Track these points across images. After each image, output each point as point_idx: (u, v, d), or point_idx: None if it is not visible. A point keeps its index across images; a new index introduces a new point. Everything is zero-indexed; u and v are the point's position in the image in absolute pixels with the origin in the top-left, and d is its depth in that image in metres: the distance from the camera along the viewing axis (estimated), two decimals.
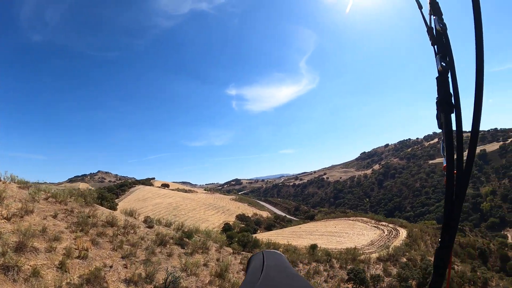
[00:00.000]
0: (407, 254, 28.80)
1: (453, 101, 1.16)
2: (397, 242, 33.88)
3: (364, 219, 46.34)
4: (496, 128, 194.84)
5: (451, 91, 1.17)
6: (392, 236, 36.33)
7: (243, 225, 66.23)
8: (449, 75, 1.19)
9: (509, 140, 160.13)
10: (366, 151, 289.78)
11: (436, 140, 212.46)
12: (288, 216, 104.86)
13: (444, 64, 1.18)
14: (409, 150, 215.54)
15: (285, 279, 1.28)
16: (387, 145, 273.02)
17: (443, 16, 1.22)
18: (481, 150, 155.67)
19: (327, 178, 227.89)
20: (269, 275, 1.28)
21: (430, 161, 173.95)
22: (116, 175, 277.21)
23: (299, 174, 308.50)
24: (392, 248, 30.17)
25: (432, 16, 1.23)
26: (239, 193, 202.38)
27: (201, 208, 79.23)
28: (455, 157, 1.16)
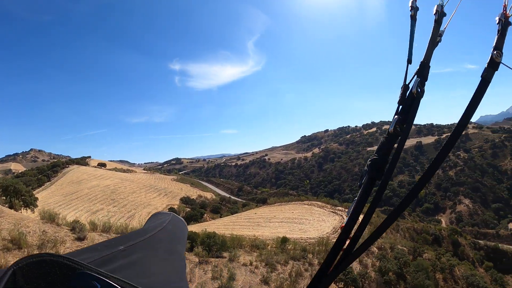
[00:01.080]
0: (375, 242, 26.85)
1: (385, 168, 1.09)
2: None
3: (319, 203, 43.87)
4: (432, 123, 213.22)
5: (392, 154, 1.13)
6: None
7: (188, 209, 61.27)
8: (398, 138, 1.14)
9: (444, 135, 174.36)
10: (307, 134, 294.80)
11: (374, 129, 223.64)
12: (232, 197, 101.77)
13: (398, 129, 1.13)
14: (348, 136, 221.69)
15: (167, 253, 1.23)
16: (326, 131, 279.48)
17: (426, 82, 1.16)
18: (417, 142, 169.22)
19: (269, 159, 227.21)
20: (156, 241, 1.23)
21: (369, 148, 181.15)
22: (50, 153, 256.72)
23: (241, 154, 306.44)
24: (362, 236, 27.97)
25: (416, 76, 1.17)
26: (180, 172, 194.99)
27: (142, 191, 72.26)
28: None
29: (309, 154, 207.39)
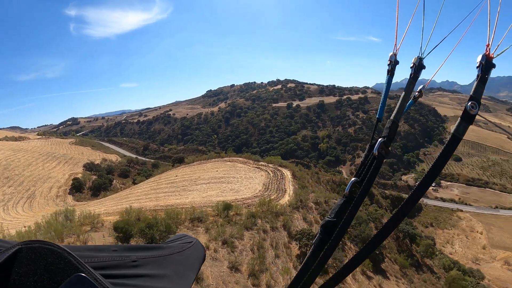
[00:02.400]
0: (309, 198, 25.90)
1: (336, 231, 1.05)
2: (289, 184, 30.38)
3: (240, 159, 41.56)
4: (334, 85, 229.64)
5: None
6: (280, 177, 32.51)
7: (95, 177, 53.96)
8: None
9: (344, 96, 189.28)
10: (213, 89, 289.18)
11: (279, 86, 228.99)
12: (139, 157, 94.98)
13: (353, 195, 1.11)
14: (254, 92, 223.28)
15: (176, 276, 1.20)
16: (233, 85, 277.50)
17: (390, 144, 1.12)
18: (320, 101, 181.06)
19: (174, 114, 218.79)
20: (169, 261, 1.22)
21: (274, 104, 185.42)
22: None
23: (142, 110, 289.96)
24: (294, 193, 26.56)
25: (380, 138, 1.11)
26: (78, 134, 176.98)
27: (39, 161, 60.80)
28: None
29: (215, 109, 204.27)
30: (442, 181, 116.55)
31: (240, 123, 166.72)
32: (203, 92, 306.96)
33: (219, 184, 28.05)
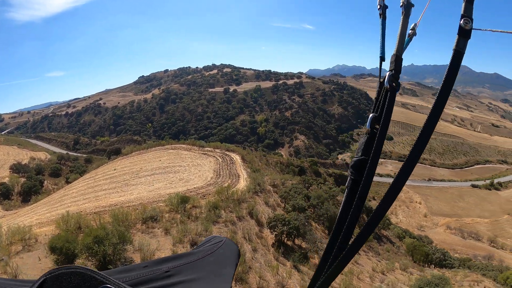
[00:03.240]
0: (266, 181, 25.16)
1: (366, 168, 1.06)
2: (240, 168, 29.00)
3: (184, 146, 39.09)
4: (270, 70, 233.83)
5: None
6: (229, 162, 31.01)
7: (24, 180, 47.54)
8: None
9: (280, 81, 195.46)
10: (145, 75, 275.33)
11: (215, 71, 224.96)
12: (70, 153, 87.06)
13: (375, 130, 1.11)
14: (189, 77, 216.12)
15: (212, 276, 1.22)
16: (166, 71, 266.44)
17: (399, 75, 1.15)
18: (256, 86, 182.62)
19: (104, 103, 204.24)
20: (204, 263, 1.23)
21: (210, 89, 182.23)
22: None
23: (70, 101, 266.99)
24: (249, 177, 25.41)
25: (388, 71, 1.15)
26: (2, 132, 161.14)
27: None
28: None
29: (149, 96, 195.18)
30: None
31: (176, 109, 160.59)
32: (135, 78, 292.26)
33: (166, 175, 25.70)
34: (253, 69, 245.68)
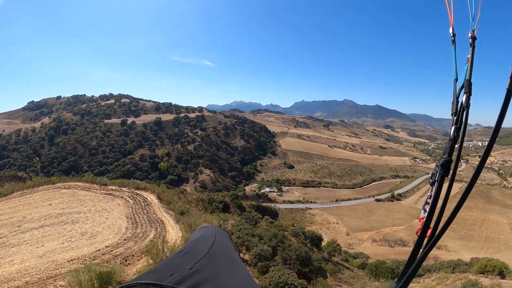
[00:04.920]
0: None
1: (450, 166, 1.36)
2: (161, 211, 21.81)
3: (81, 184, 29.78)
4: (170, 103, 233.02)
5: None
6: (144, 203, 23.59)
7: None
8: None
9: (182, 114, 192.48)
10: (35, 100, 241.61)
11: (112, 101, 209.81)
12: None
13: (455, 135, 1.38)
14: (84, 106, 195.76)
15: (229, 262, 1.25)
16: (59, 97, 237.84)
17: (471, 96, 1.39)
18: (156, 118, 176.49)
19: None
20: (215, 253, 1.25)
21: (106, 121, 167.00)
22: None
23: None
24: (177, 222, 19.35)
25: (463, 92, 1.40)
26: None
27: None
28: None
29: (37, 125, 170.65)
30: (282, 187, 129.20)
31: (67, 142, 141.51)
32: (23, 103, 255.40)
33: (61, 227, 17.20)
34: (152, 101, 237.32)
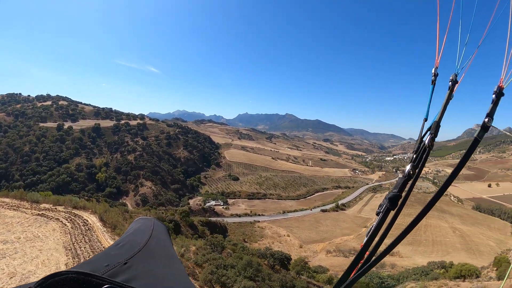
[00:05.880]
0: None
1: (399, 202, 1.39)
2: (104, 237, 17.62)
3: (7, 200, 23.86)
4: (111, 108, 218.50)
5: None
6: (85, 228, 19.06)
7: None
8: None
9: (122, 121, 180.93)
10: None
11: (49, 102, 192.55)
12: None
13: (411, 173, 1.41)
14: (18, 106, 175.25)
15: (165, 258, 1.24)
16: None
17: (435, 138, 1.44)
18: (95, 124, 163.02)
19: None
20: (151, 248, 1.23)
21: (42, 124, 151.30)
22: None
23: None
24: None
25: (428, 132, 1.45)
26: None
27: None
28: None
29: None
30: (228, 199, 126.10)
31: None
32: None
33: None
34: (92, 105, 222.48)
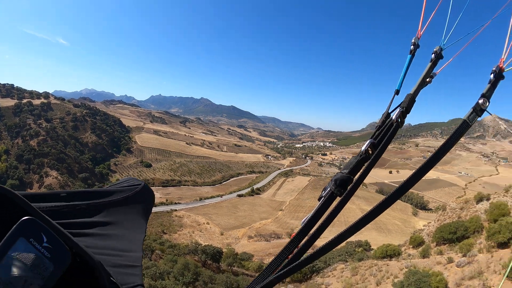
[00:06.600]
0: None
1: (349, 186, 1.08)
2: None
3: None
4: (12, 85, 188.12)
5: None
6: None
7: None
8: None
9: (25, 100, 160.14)
10: None
11: None
12: None
13: (370, 152, 1.13)
14: None
15: (136, 219, 1.20)
16: None
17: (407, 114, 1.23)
18: None
19: None
20: (119, 207, 1.18)
21: None
22: None
23: None
24: None
25: (399, 107, 1.21)
26: None
27: None
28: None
29: None
30: None
31: None
32: None
33: None
34: None
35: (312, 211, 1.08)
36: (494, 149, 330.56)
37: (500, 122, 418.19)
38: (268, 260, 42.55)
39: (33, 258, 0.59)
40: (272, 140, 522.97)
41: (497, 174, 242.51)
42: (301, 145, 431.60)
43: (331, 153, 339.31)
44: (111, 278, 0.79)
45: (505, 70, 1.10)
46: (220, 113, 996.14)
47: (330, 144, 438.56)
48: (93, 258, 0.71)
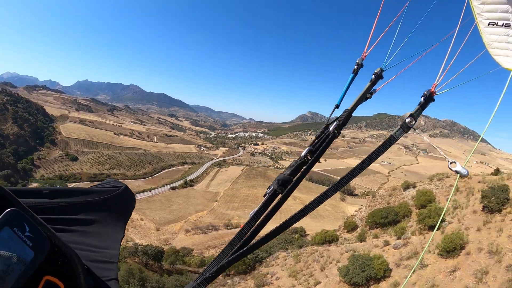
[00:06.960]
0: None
1: (288, 186, 1.36)
2: None
3: None
4: None
5: None
6: None
7: None
8: None
9: None
10: None
11: None
12: None
13: (308, 158, 1.41)
14: None
15: (115, 221, 1.24)
16: None
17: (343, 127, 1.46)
18: None
19: None
20: (110, 204, 1.25)
21: None
22: None
23: None
24: None
25: (337, 120, 1.46)
26: None
27: None
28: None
29: None
30: (68, 184, 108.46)
31: None
32: None
33: None
34: None
35: (258, 205, 1.29)
36: (414, 141, 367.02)
37: (420, 117, 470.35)
38: (208, 253, 41.85)
39: (15, 245, 0.62)
40: (204, 130, 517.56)
41: (417, 163, 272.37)
42: (234, 135, 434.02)
43: (262, 143, 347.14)
44: (86, 267, 0.83)
45: (436, 94, 1.31)
46: (150, 101, 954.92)
47: (262, 135, 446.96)
48: (69, 248, 0.74)
